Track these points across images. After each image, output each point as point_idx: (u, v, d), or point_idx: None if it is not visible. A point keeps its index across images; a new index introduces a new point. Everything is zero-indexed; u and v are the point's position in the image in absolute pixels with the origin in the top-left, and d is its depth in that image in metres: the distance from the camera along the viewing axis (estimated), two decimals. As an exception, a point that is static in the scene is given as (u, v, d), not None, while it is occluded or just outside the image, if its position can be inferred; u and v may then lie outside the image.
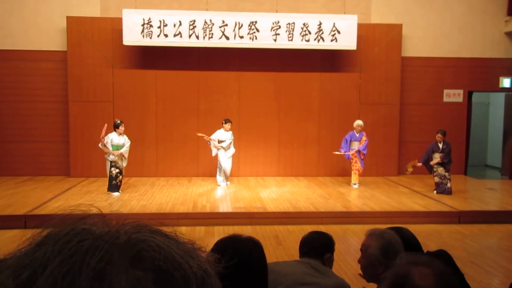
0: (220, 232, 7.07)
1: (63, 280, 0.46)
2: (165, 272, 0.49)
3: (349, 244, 6.64)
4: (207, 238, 6.79)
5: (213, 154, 9.85)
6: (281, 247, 6.41)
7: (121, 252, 0.49)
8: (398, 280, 1.40)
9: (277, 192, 9.40)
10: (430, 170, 9.53)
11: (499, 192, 10.27)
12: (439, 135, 9.41)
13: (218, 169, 10.01)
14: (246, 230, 7.11)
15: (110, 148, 8.74)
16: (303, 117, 11.35)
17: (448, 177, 9.30)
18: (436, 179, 9.41)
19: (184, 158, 11.16)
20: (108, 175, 8.92)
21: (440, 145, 9.36)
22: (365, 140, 9.89)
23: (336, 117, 11.34)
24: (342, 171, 11.40)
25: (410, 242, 2.58)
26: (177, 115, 11.09)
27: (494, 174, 12.93)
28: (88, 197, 8.70)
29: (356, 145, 9.90)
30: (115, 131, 8.86)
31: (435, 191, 9.41)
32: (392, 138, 11.49)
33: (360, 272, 2.46)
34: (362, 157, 9.95)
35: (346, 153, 9.95)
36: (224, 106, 11.13)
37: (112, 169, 8.84)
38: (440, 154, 9.29)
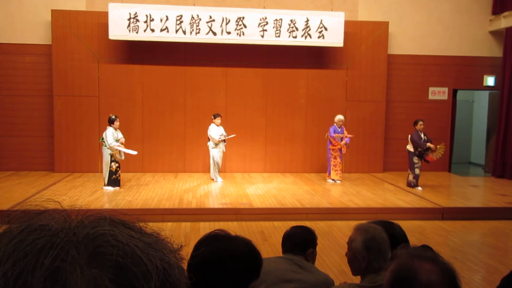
0: (206, 228, 7.06)
1: (15, 282, 0.44)
2: (124, 269, 0.47)
3: (334, 240, 6.68)
4: (192, 234, 6.78)
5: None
6: (267, 243, 6.43)
7: (78, 249, 0.47)
8: (402, 274, 1.39)
9: (264, 189, 9.42)
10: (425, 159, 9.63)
11: (482, 189, 10.42)
12: (421, 123, 9.55)
13: (215, 166, 9.99)
14: (232, 226, 7.12)
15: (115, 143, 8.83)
16: (290, 113, 11.38)
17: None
18: (417, 171, 9.57)
19: (170, 154, 11.12)
20: (107, 170, 8.88)
21: (422, 135, 9.53)
22: (348, 135, 10.05)
23: (323, 113, 11.38)
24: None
25: (398, 238, 2.61)
26: (163, 110, 11.03)
27: (477, 171, 13.10)
28: (73, 193, 8.62)
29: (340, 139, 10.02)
30: (111, 126, 8.87)
31: (419, 188, 9.54)
32: (378, 135, 11.58)
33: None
34: (343, 152, 10.11)
35: (346, 137, 10.00)
36: (211, 102, 11.10)
37: (113, 163, 8.87)
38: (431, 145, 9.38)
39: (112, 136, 8.80)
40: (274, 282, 2.39)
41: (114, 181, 8.96)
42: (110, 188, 8.95)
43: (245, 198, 8.57)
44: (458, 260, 5.91)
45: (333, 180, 10.14)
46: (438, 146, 9.43)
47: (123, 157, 9.05)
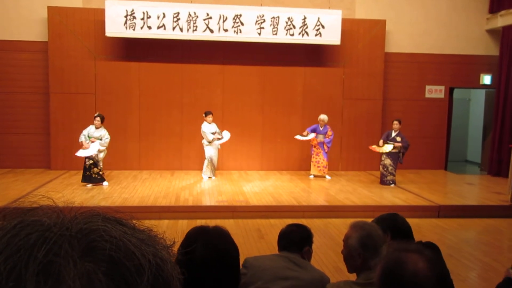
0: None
1: (8, 276, 0.44)
2: (117, 263, 0.48)
3: (330, 238, 6.70)
4: (189, 231, 6.77)
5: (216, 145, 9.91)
6: (263, 241, 6.44)
7: (71, 243, 0.47)
8: (390, 266, 1.42)
9: (260, 186, 9.42)
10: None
11: (478, 187, 10.45)
12: (396, 122, 9.63)
13: (209, 164, 9.96)
14: (228, 224, 7.12)
15: (85, 140, 8.85)
16: (287, 111, 11.38)
17: (390, 170, 9.65)
18: (380, 168, 9.83)
19: (167, 151, 11.11)
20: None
21: (393, 134, 9.63)
22: (331, 135, 10.16)
23: (320, 111, 11.34)
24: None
25: (401, 229, 2.65)
26: (160, 108, 11.01)
27: (473, 169, 13.14)
28: (69, 190, 8.61)
29: (321, 138, 10.11)
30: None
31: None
32: (375, 133, 11.58)
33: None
34: (326, 150, 10.17)
35: (310, 135, 10.12)
36: (207, 99, 11.09)
37: (86, 159, 8.87)
38: (399, 144, 9.53)
39: (87, 132, 8.89)
40: (270, 280, 2.40)
41: (88, 177, 8.91)
42: (105, 183, 8.99)
43: (242, 195, 8.57)
44: (453, 257, 5.94)
45: (313, 175, 10.32)
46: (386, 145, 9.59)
47: (101, 155, 8.97)
